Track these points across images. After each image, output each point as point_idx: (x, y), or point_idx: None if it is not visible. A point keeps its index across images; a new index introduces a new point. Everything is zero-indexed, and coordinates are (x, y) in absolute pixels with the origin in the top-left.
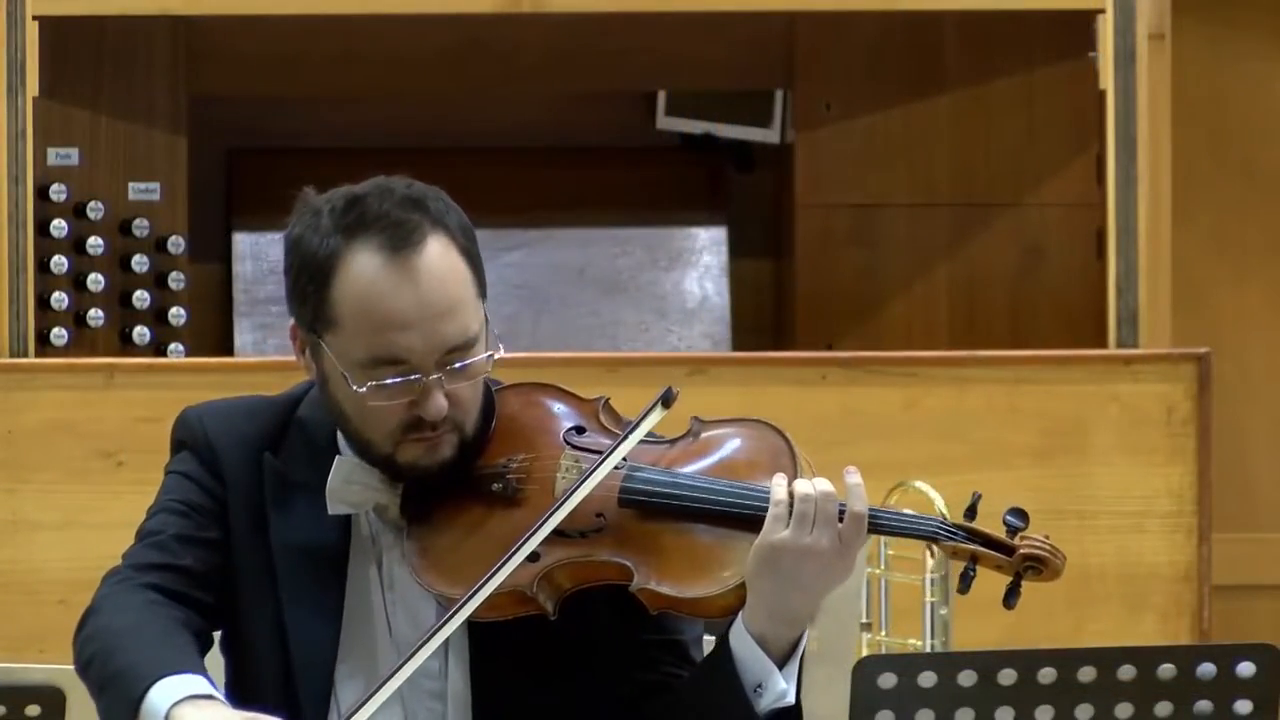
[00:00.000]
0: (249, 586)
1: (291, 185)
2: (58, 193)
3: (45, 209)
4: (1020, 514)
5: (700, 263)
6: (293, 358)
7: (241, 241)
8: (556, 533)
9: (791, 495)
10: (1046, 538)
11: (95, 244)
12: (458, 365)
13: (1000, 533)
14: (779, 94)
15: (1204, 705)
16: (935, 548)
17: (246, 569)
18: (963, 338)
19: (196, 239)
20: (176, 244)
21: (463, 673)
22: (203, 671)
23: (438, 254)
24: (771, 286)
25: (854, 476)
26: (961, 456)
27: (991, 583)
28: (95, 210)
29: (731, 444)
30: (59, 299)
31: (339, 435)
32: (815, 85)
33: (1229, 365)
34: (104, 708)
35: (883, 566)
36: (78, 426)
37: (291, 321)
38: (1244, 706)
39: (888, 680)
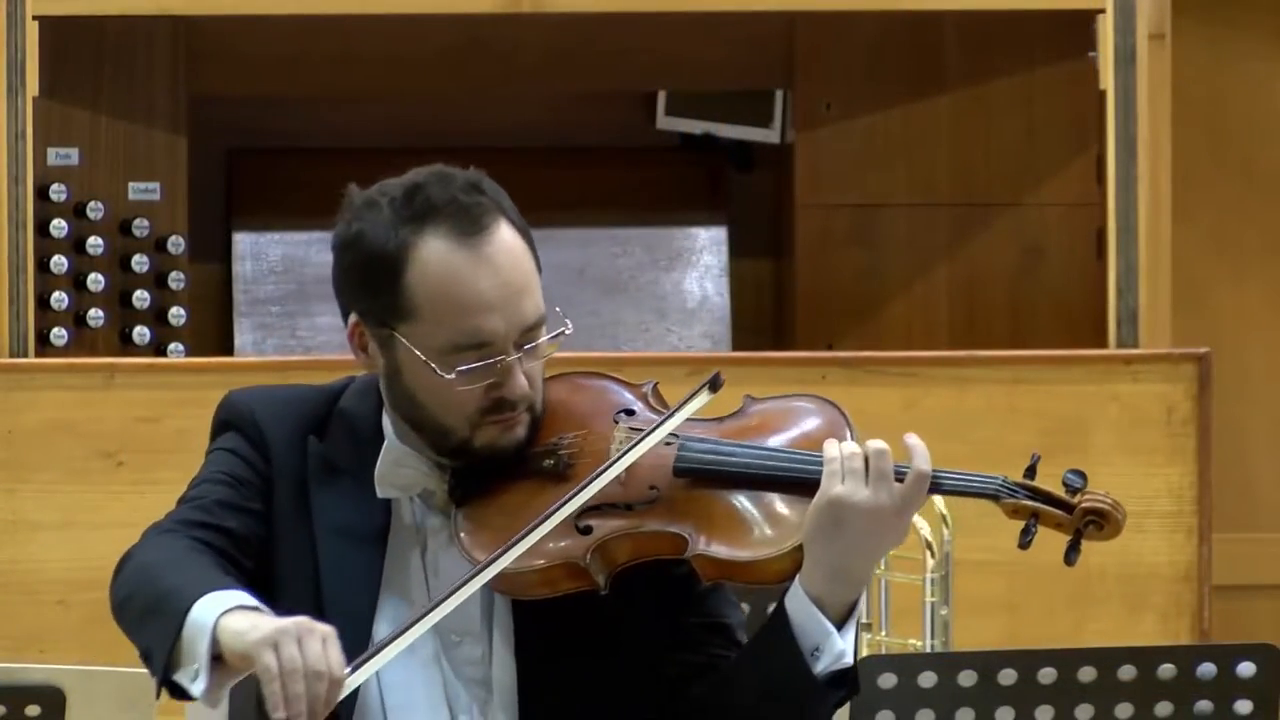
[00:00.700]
0: (288, 563)
1: (291, 185)
2: (58, 193)
3: (45, 209)
4: (1080, 474)
5: (700, 263)
6: (292, 357)
7: (241, 241)
8: (609, 505)
9: (847, 453)
10: (1107, 494)
11: (95, 244)
12: (534, 344)
13: (1060, 491)
14: (779, 94)
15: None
16: (996, 506)
17: (287, 545)
18: (963, 338)
19: (196, 239)
20: (176, 244)
21: (508, 658)
22: (248, 591)
23: (507, 235)
24: (771, 286)
25: (914, 438)
26: (961, 456)
27: (991, 583)
28: (95, 210)
29: (785, 417)
30: (59, 299)
31: (385, 426)
32: (815, 85)
33: (1229, 365)
34: (146, 636)
35: (883, 566)
36: (78, 426)
37: (353, 318)
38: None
39: (888, 680)
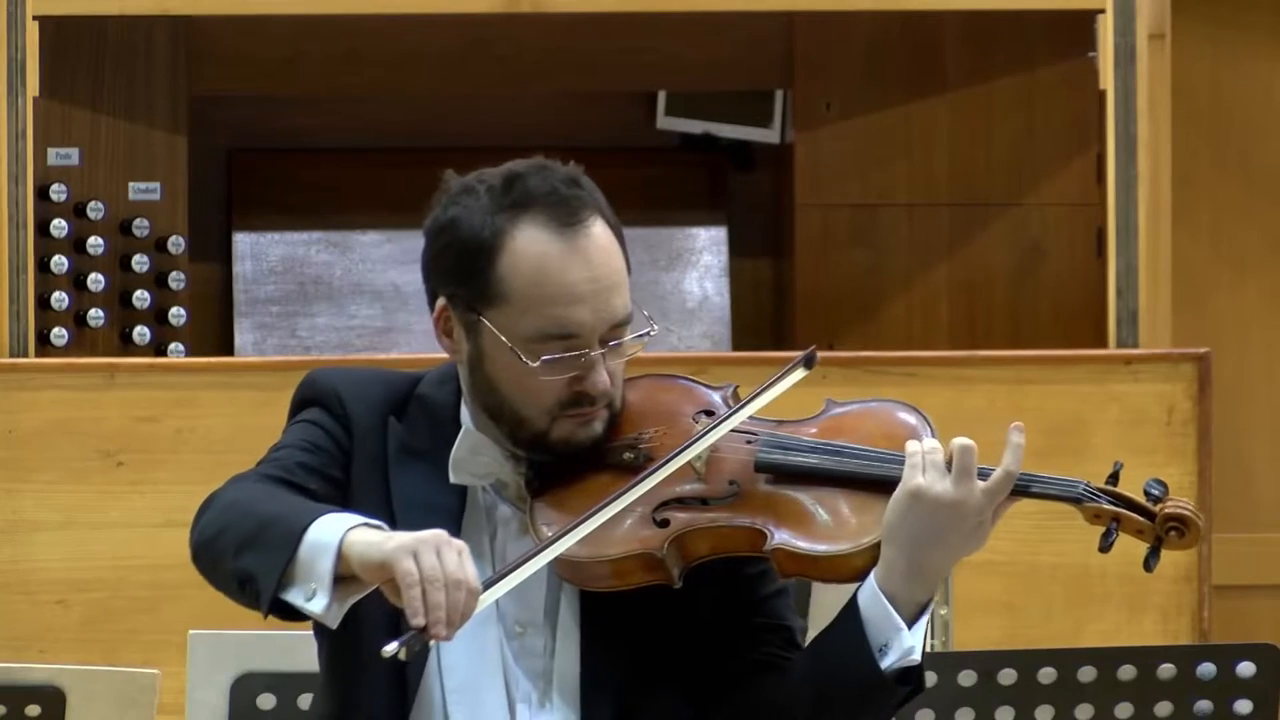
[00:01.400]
0: None
1: (291, 185)
2: (58, 193)
3: (45, 209)
4: (1161, 484)
5: (700, 263)
6: (292, 357)
7: (241, 241)
8: (689, 499)
9: (928, 448)
10: (1189, 502)
11: (95, 244)
12: (619, 342)
13: (1141, 498)
14: (779, 94)
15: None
16: (1078, 510)
17: (364, 517)
18: (963, 338)
19: (196, 239)
20: (176, 244)
21: (573, 651)
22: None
23: (601, 230)
24: (771, 286)
25: (1018, 436)
26: None
27: (991, 583)
28: (95, 210)
29: (867, 417)
30: (59, 299)
31: (464, 414)
32: (815, 85)
33: (1229, 365)
34: (248, 561)
35: None
36: (78, 426)
37: (441, 302)
38: (1244, 706)
39: None
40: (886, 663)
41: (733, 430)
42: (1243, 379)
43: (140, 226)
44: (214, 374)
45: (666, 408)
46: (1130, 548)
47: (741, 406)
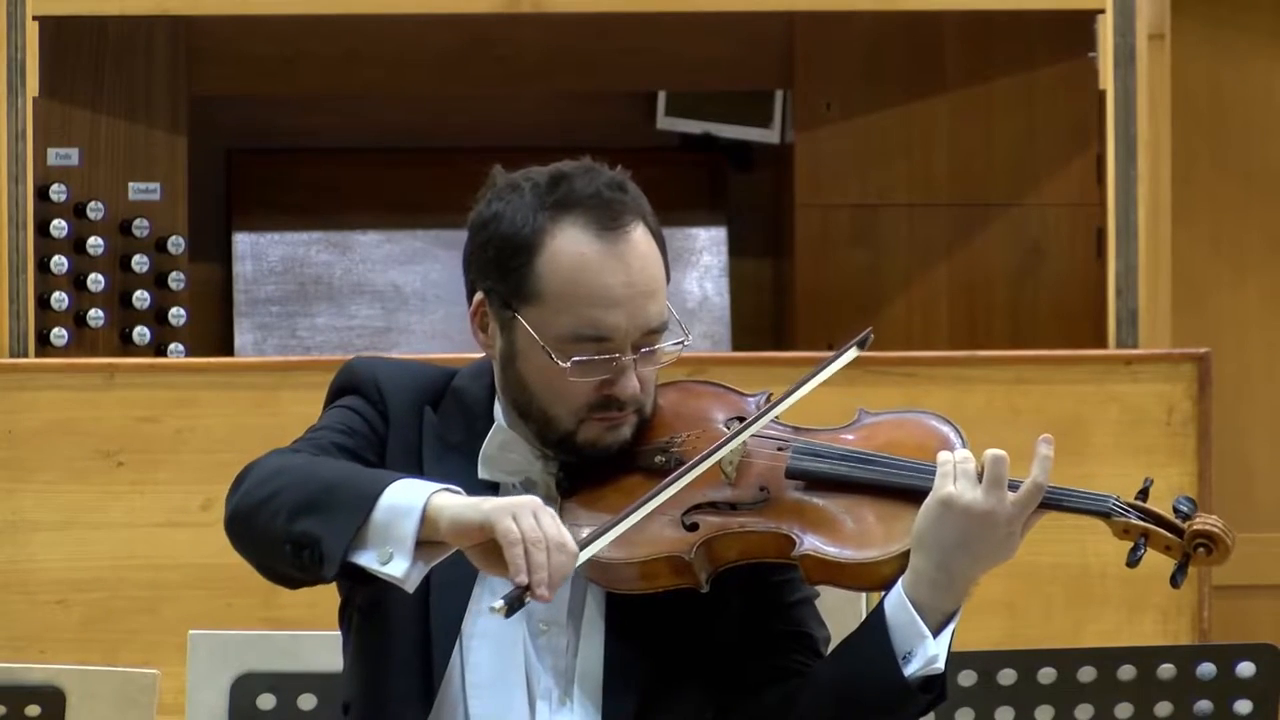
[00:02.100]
0: None
1: (291, 185)
2: (58, 193)
3: (45, 209)
4: (1190, 501)
5: (700, 263)
6: (292, 358)
7: (241, 241)
8: (719, 504)
9: (959, 457)
10: (1219, 518)
11: (95, 244)
12: (652, 349)
13: (1170, 514)
14: (778, 94)
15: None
16: (1106, 524)
17: None
18: (963, 338)
19: (196, 239)
20: (176, 244)
21: (597, 651)
22: None
23: (642, 237)
24: (771, 286)
25: (1046, 448)
26: None
27: (991, 583)
28: (95, 210)
29: (899, 427)
30: (59, 299)
31: (497, 410)
32: (815, 85)
33: (1229, 365)
34: (311, 524)
35: None
36: (78, 426)
37: (479, 296)
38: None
39: None
40: (910, 670)
41: (765, 436)
42: (1243, 379)
43: (140, 226)
44: (214, 374)
45: (699, 412)
46: (1128, 551)
47: (810, 378)
